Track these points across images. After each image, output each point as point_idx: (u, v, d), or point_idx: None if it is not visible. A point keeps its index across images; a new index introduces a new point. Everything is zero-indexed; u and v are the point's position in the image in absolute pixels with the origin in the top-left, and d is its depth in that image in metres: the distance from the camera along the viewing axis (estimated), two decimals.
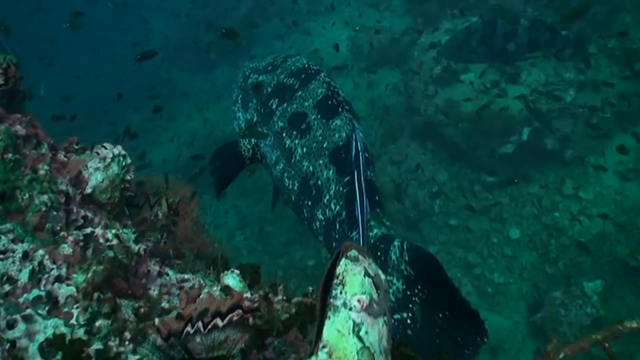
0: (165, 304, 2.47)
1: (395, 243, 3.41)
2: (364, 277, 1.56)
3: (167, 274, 2.88)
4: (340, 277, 1.55)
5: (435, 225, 10.88)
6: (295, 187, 4.38)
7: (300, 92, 4.64)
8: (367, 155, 3.96)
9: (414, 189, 11.10)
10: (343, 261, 1.58)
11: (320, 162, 4.16)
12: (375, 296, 1.57)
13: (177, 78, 19.27)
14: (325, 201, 4.03)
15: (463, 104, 10.35)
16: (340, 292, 1.53)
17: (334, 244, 3.96)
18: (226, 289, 2.08)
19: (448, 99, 10.75)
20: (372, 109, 13.11)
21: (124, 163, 2.86)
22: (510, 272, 9.89)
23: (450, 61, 9.81)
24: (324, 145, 4.22)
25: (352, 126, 4.13)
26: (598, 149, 9.97)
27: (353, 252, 1.62)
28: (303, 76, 4.78)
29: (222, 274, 2.17)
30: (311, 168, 4.20)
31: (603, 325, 8.30)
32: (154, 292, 2.54)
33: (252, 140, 4.99)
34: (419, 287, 3.11)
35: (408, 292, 3.13)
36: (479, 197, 10.71)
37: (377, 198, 3.93)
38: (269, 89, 4.99)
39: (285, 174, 4.50)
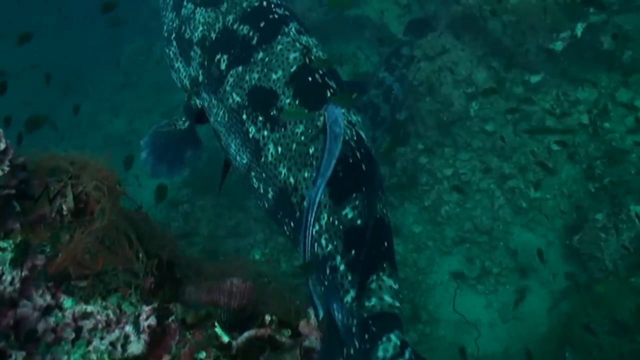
0: None
1: (393, 338, 2.40)
2: None
3: (61, 308, 2.17)
4: None
5: (469, 130, 9.88)
6: (270, 196, 3.21)
7: (261, 54, 3.22)
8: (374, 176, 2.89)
9: (448, 89, 9.97)
10: None
11: (306, 175, 2.95)
12: None
13: None
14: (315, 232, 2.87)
15: None
16: None
17: (321, 288, 2.86)
18: None
19: None
20: None
21: None
22: (549, 186, 8.99)
23: None
24: (310, 150, 2.94)
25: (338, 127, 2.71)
26: None
27: None
28: (262, 24, 3.31)
29: None
30: (292, 180, 3.01)
31: None
32: (17, 357, 1.82)
33: (198, 102, 3.80)
34: None
35: None
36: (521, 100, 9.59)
37: (385, 245, 2.83)
38: (212, 35, 3.51)
39: (253, 174, 3.28)
